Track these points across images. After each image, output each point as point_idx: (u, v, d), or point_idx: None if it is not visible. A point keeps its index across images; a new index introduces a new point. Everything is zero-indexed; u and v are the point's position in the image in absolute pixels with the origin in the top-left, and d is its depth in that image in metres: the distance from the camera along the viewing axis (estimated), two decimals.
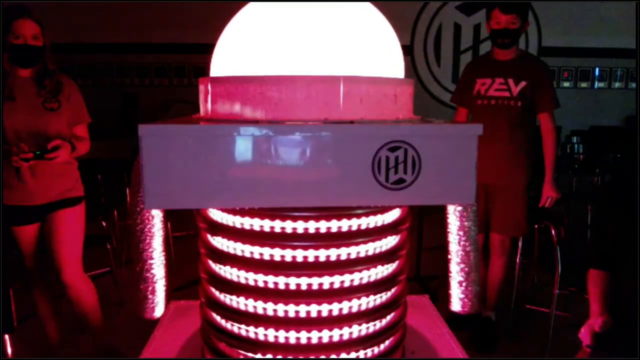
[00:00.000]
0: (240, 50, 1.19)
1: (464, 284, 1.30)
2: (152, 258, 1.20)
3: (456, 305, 1.32)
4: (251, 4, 1.26)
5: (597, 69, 7.22)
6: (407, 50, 7.11)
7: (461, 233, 1.27)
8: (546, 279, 3.04)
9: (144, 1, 6.53)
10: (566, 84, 7.21)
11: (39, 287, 2.43)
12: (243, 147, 1.01)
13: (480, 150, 3.31)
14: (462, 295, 1.31)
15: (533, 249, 3.05)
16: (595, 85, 7.29)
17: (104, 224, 3.42)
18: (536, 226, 2.95)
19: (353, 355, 1.21)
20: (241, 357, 1.22)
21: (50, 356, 2.53)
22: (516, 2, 2.61)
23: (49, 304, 2.47)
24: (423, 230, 3.62)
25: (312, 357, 1.18)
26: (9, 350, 2.03)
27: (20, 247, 2.33)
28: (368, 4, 1.27)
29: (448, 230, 1.29)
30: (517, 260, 3.11)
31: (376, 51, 1.20)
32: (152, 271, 1.21)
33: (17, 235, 2.30)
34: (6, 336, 2.01)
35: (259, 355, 1.20)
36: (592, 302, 1.65)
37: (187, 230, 4.07)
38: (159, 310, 1.23)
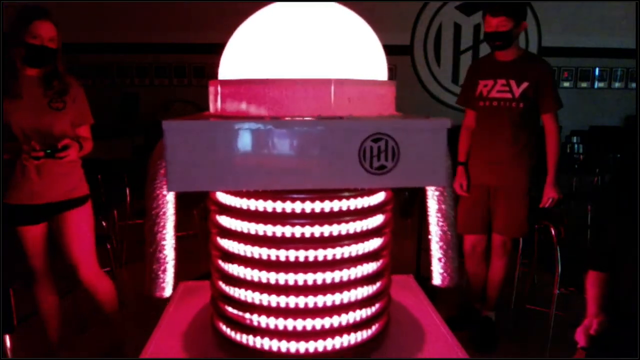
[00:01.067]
0: (245, 56, 1.37)
1: (442, 260, 1.45)
2: (164, 239, 1.33)
3: (437, 279, 1.48)
4: (254, 16, 1.43)
5: (597, 69, 7.23)
6: (407, 50, 7.12)
7: (439, 215, 1.42)
8: (546, 279, 3.04)
9: (144, 1, 6.53)
10: (566, 84, 7.22)
11: (44, 287, 2.42)
12: (249, 139, 1.19)
13: (483, 151, 3.30)
14: (442, 270, 1.46)
15: (533, 249, 3.05)
16: (595, 85, 7.29)
17: (104, 224, 3.42)
18: (536, 226, 2.95)
19: (344, 317, 1.37)
20: (247, 321, 1.38)
21: (50, 356, 2.53)
22: (504, 4, 2.55)
23: (52, 304, 2.47)
24: (422, 230, 3.61)
25: (308, 319, 1.34)
26: (9, 350, 2.03)
27: (26, 248, 2.31)
28: (357, 16, 1.44)
29: (428, 213, 1.45)
30: (517, 260, 3.11)
31: (363, 57, 1.39)
32: (165, 252, 1.34)
33: (23, 235, 2.28)
34: (6, 336, 2.01)
35: (263, 318, 1.36)
36: (589, 303, 1.65)
37: (186, 231, 4.08)
38: (168, 290, 1.37)
